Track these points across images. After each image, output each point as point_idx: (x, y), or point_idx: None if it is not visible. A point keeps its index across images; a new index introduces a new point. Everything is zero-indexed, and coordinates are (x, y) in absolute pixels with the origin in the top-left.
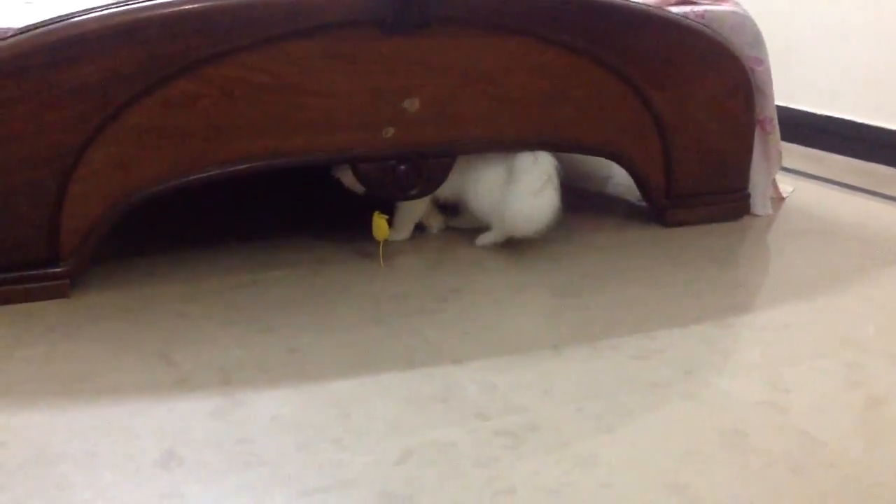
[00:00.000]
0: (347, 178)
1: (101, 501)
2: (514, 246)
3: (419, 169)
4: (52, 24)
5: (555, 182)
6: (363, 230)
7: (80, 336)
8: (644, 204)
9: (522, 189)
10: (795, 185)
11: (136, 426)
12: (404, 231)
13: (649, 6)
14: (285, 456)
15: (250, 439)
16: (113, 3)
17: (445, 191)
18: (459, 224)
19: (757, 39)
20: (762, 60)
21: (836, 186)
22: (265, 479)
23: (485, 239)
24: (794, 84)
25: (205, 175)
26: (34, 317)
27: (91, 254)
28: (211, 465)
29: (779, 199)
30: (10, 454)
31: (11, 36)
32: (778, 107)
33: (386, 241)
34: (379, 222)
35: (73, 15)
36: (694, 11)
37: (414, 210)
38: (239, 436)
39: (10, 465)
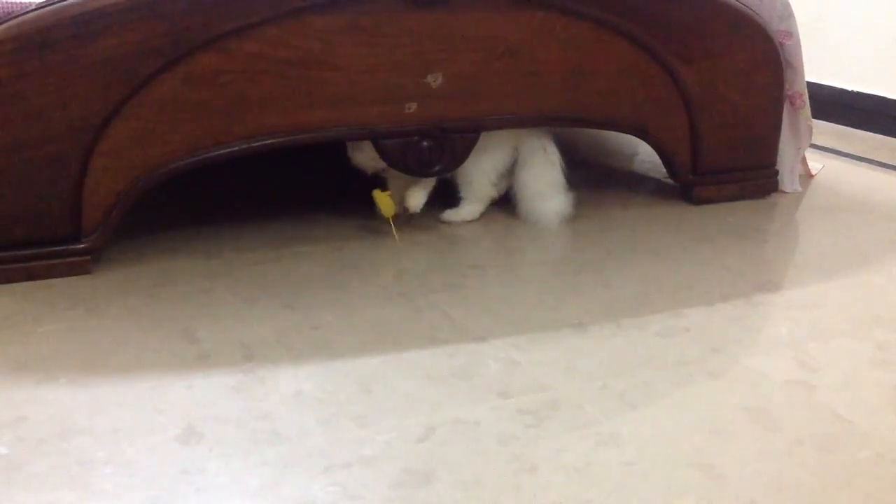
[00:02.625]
0: (358, 157)
1: (121, 476)
2: (537, 223)
3: (442, 145)
4: None
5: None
6: None
7: (102, 312)
8: (670, 181)
9: (544, 186)
10: (825, 162)
11: (158, 401)
12: (418, 201)
13: None
14: (307, 432)
15: (272, 415)
16: None
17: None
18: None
19: (786, 12)
20: (791, 34)
21: (865, 163)
22: (286, 455)
23: (453, 215)
24: (824, 59)
25: (227, 150)
26: (56, 293)
27: (114, 229)
28: (232, 441)
29: (808, 176)
30: (32, 428)
31: (34, 10)
32: (808, 83)
33: (395, 216)
34: (382, 199)
35: None
36: None
37: (427, 179)
38: (260, 412)
39: (31, 440)
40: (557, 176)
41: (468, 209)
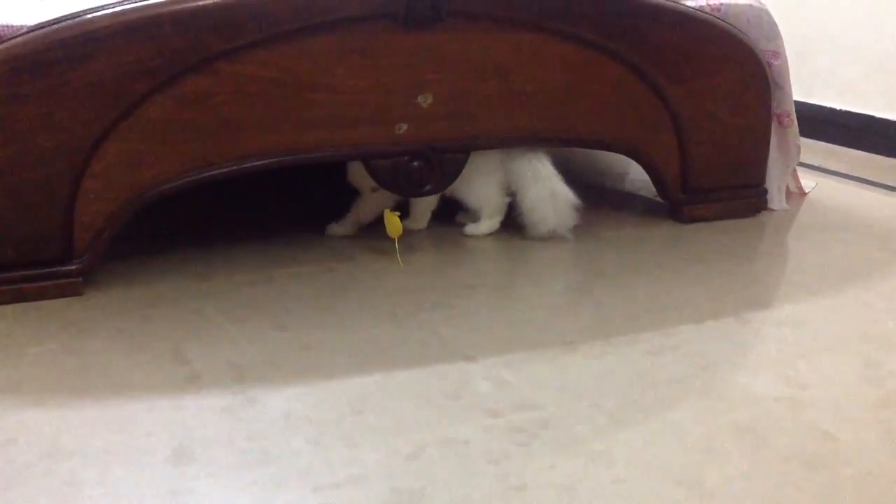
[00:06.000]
0: (352, 175)
1: (111, 498)
2: (528, 242)
3: (432, 165)
4: (66, 20)
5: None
6: (377, 227)
7: (93, 333)
8: (660, 200)
9: (538, 193)
10: (814, 179)
11: (148, 423)
12: (422, 221)
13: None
14: (297, 452)
15: (262, 436)
16: (126, 0)
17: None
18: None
19: (774, 32)
20: (779, 54)
21: (855, 182)
22: (276, 475)
23: (475, 229)
24: (812, 79)
25: (218, 172)
26: (47, 314)
27: (104, 251)
28: (222, 462)
29: (801, 194)
30: (22, 450)
31: (25, 33)
32: (796, 102)
33: (400, 237)
34: (392, 219)
35: (86, 12)
36: (710, 4)
37: (430, 199)
38: (251, 432)
39: (20, 461)
40: (552, 190)
41: (489, 223)
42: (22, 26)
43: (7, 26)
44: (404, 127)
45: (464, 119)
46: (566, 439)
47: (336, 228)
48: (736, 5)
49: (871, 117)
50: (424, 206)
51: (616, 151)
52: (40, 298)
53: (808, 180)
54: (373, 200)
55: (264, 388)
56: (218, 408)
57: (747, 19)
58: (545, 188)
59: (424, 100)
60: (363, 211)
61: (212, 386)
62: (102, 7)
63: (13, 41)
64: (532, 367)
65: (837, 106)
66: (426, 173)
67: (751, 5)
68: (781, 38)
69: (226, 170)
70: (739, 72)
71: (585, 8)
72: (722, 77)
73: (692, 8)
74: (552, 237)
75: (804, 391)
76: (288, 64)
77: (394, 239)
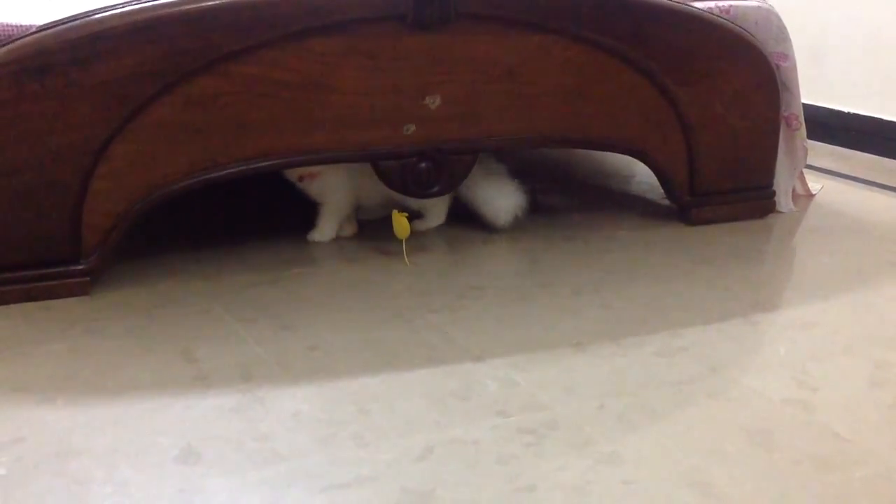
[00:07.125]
0: (290, 173)
1: (120, 496)
2: (536, 244)
3: (440, 166)
4: (74, 20)
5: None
6: (384, 228)
7: (101, 333)
8: (667, 202)
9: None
10: (822, 182)
11: (156, 422)
12: (439, 217)
13: (674, 1)
14: (305, 452)
15: (270, 436)
16: (135, 0)
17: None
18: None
19: (782, 35)
20: (787, 56)
21: (863, 184)
22: (284, 475)
23: (420, 226)
24: (821, 81)
25: (226, 172)
26: (56, 314)
27: (113, 251)
28: (230, 461)
29: (808, 196)
30: (31, 449)
31: (34, 33)
32: (804, 104)
33: (407, 238)
34: (400, 220)
35: (95, 12)
36: (718, 6)
37: (446, 197)
38: (259, 432)
39: (30, 460)
40: (500, 178)
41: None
42: (30, 26)
43: (15, 26)
44: (412, 128)
45: (472, 120)
46: (575, 440)
47: (340, 230)
48: (745, 7)
49: (880, 120)
50: (441, 203)
51: (623, 153)
52: (48, 298)
53: (814, 182)
54: (335, 194)
55: (272, 387)
56: (226, 407)
57: (756, 21)
58: (494, 179)
59: (432, 101)
60: (345, 208)
61: (220, 385)
62: (111, 8)
63: (21, 41)
64: (540, 368)
65: (846, 109)
66: (434, 174)
67: (759, 7)
68: (790, 41)
69: (233, 170)
70: (748, 74)
71: (593, 10)
72: (730, 79)
73: (701, 10)
74: (506, 225)
75: (814, 393)
76: (296, 65)
77: (401, 240)
